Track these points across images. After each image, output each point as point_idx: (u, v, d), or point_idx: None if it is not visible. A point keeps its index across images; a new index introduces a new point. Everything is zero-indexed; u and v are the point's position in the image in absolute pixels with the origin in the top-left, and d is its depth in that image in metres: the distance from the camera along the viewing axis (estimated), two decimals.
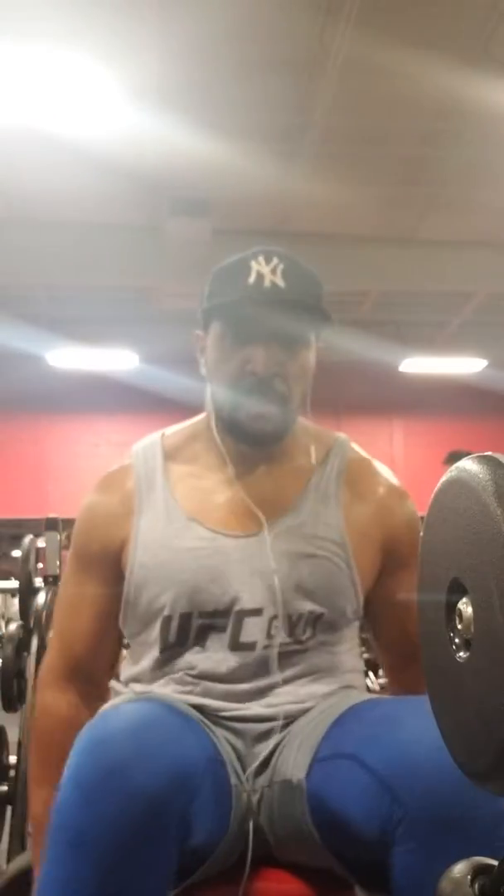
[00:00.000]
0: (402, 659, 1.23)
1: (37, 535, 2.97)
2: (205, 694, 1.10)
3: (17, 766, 2.28)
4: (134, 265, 5.97)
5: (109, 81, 4.11)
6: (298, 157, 4.98)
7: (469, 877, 0.58)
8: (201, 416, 1.24)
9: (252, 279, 1.08)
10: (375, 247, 6.11)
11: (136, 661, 1.17)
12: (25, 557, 2.78)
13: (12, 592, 5.00)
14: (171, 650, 1.12)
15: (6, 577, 6.33)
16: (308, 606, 1.10)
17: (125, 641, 1.23)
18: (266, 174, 5.04)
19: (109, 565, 1.17)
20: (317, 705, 1.10)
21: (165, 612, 1.10)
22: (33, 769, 1.18)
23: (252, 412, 1.11)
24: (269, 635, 1.09)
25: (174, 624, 1.11)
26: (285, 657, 1.11)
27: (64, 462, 8.72)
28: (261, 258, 1.08)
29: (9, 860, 2.09)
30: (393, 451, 9.08)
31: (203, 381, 1.22)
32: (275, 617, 1.09)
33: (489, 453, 0.55)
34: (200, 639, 1.10)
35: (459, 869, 0.59)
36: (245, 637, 1.09)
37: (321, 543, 1.12)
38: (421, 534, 0.62)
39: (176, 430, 1.25)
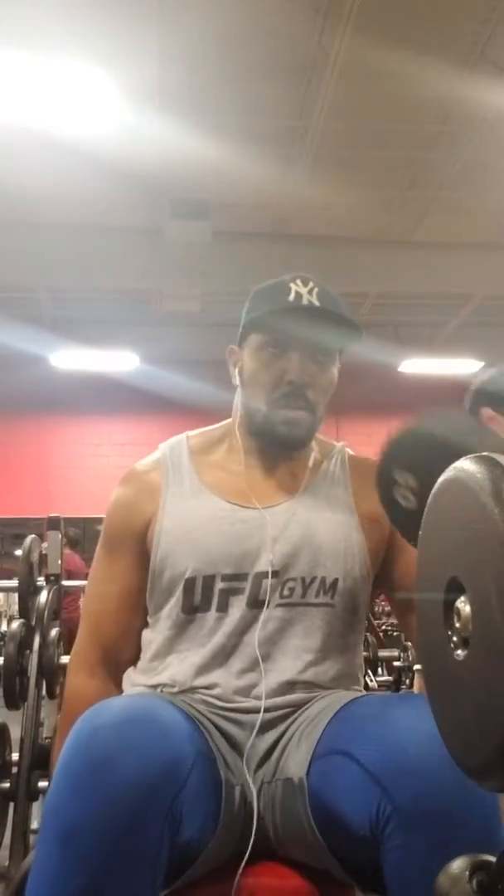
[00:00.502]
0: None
1: (40, 536, 2.98)
2: (218, 668, 1.13)
3: (19, 764, 2.29)
4: (135, 267, 5.97)
5: (110, 85, 4.12)
6: (297, 160, 4.99)
7: (467, 873, 0.58)
8: (226, 422, 1.33)
9: (292, 297, 1.20)
10: (374, 249, 6.12)
11: (158, 632, 1.20)
12: (26, 556, 2.79)
13: (15, 590, 4.98)
14: (194, 613, 1.16)
15: (9, 576, 6.30)
16: (321, 571, 1.17)
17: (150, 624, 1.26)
18: (265, 177, 5.05)
19: (136, 546, 1.23)
20: (316, 702, 1.12)
21: (189, 575, 1.15)
22: (57, 753, 1.19)
23: (285, 417, 1.21)
24: (282, 595, 1.15)
25: (198, 586, 1.16)
26: (293, 623, 1.15)
27: (66, 462, 8.73)
28: (298, 281, 1.21)
29: (11, 857, 2.09)
30: None
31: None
32: (290, 579, 1.16)
33: (486, 453, 0.55)
34: (222, 604, 1.15)
35: (458, 865, 0.59)
36: (262, 596, 1.15)
37: (333, 515, 1.22)
38: (420, 532, 0.62)
39: (200, 432, 1.34)
